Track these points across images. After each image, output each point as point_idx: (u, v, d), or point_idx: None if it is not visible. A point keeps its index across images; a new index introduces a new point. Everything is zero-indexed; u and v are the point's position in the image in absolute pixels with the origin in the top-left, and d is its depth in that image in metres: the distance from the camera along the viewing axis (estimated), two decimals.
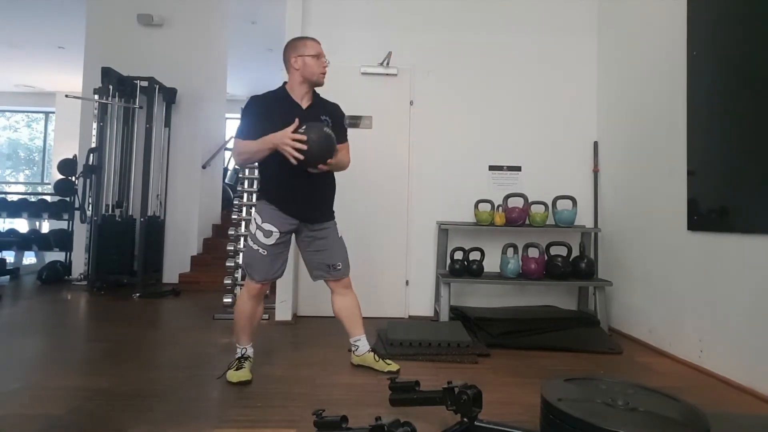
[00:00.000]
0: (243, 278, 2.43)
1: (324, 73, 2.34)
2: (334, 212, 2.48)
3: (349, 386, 2.27)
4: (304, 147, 2.11)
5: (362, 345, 2.53)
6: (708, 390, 2.35)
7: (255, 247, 2.30)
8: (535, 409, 1.56)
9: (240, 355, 2.34)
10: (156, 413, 1.89)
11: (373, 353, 2.51)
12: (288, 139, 2.11)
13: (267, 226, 2.28)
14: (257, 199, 2.41)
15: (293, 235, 2.43)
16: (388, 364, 2.45)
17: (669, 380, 2.48)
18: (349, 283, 2.53)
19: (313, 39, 2.38)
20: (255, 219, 2.32)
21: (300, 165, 2.16)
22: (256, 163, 2.44)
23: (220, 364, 2.57)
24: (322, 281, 2.51)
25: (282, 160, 2.17)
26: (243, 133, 2.26)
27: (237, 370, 2.27)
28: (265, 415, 1.91)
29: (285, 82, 2.39)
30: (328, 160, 2.20)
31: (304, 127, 2.15)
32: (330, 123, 2.32)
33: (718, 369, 2.52)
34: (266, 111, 2.27)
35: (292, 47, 2.35)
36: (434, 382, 1.96)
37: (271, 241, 2.28)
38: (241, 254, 3.72)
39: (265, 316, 3.62)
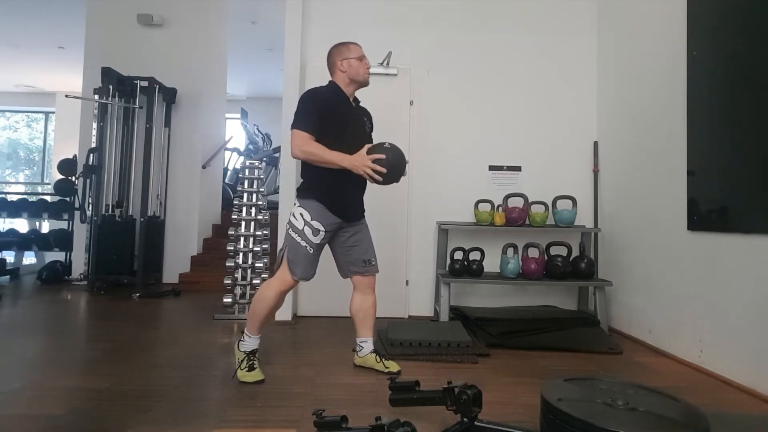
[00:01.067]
0: (276, 269, 2.36)
1: (369, 74, 2.46)
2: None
3: (349, 386, 2.27)
4: (384, 170, 2.20)
5: (367, 347, 2.53)
6: (708, 390, 2.35)
7: (303, 243, 2.29)
8: (535, 409, 1.57)
9: (250, 350, 2.31)
10: (156, 413, 1.89)
11: (375, 354, 2.51)
12: (368, 162, 2.20)
13: (316, 224, 2.30)
14: (302, 196, 2.37)
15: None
16: (389, 366, 2.45)
17: (669, 380, 2.48)
18: (374, 282, 2.54)
19: (355, 43, 2.47)
20: (302, 215, 2.31)
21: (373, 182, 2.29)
22: (302, 163, 2.43)
23: (220, 364, 2.57)
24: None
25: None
26: (308, 126, 2.26)
27: (250, 370, 2.26)
28: (265, 415, 1.91)
29: (331, 81, 2.46)
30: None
31: (382, 150, 2.23)
32: (369, 124, 2.54)
33: (718, 369, 2.52)
34: (327, 104, 2.32)
35: (337, 51, 2.44)
36: (434, 382, 1.96)
37: (317, 240, 2.31)
38: (240, 254, 3.73)
39: None
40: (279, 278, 2.33)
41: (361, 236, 2.47)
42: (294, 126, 2.29)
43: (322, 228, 2.31)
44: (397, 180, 2.29)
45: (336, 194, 2.34)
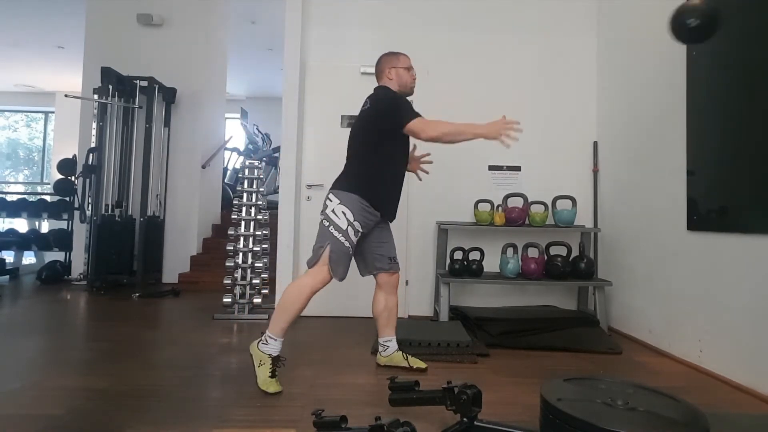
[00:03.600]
0: (311, 266, 2.27)
1: (414, 83, 2.57)
2: None
3: (349, 386, 2.27)
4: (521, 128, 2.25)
5: (392, 346, 2.54)
6: (708, 390, 2.35)
7: (347, 244, 2.27)
8: (535, 409, 1.56)
9: (276, 354, 2.18)
10: (156, 413, 1.89)
11: (401, 352, 2.53)
12: (504, 126, 2.24)
13: (357, 225, 2.30)
14: (344, 188, 2.32)
15: None
16: (415, 363, 2.48)
17: (669, 380, 2.48)
18: (398, 282, 2.56)
19: (404, 54, 2.56)
20: (344, 214, 2.26)
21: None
22: (352, 155, 2.44)
23: (220, 364, 2.58)
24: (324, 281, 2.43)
25: (399, 160, 2.40)
26: (415, 112, 2.32)
27: (272, 376, 2.13)
28: (264, 415, 1.91)
29: (380, 86, 2.52)
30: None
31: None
32: None
33: (717, 369, 2.52)
34: None
35: (386, 60, 2.51)
36: (434, 382, 1.97)
37: (356, 240, 2.32)
38: (240, 254, 3.73)
39: (265, 316, 3.64)
40: (315, 277, 2.23)
41: (388, 234, 2.52)
42: (408, 119, 2.30)
43: (361, 229, 2.32)
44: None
45: (382, 190, 2.38)
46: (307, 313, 3.73)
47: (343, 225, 2.26)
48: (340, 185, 2.35)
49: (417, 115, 2.32)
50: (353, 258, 2.42)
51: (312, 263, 2.29)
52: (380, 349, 2.57)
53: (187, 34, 5.57)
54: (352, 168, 2.40)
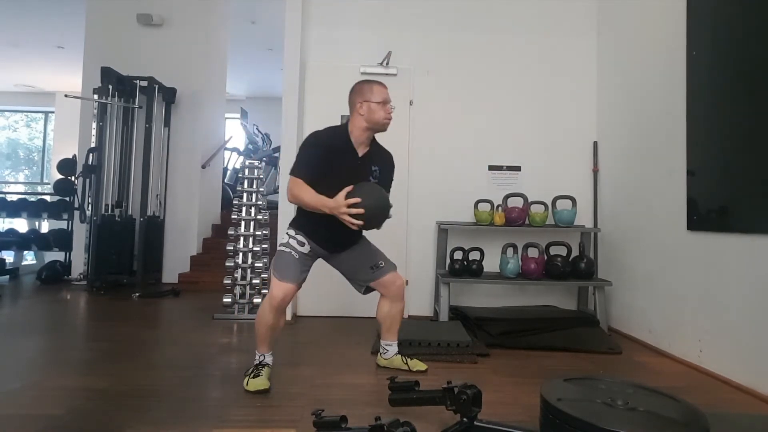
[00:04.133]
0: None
1: (389, 120, 2.31)
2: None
3: (349, 386, 2.27)
4: (361, 211, 2.07)
5: (392, 350, 2.53)
6: (708, 390, 2.35)
7: (287, 250, 2.28)
8: (535, 409, 1.56)
9: (259, 362, 2.27)
10: (156, 413, 1.89)
11: (401, 356, 2.51)
12: (344, 208, 2.08)
13: (300, 237, 2.30)
14: (292, 226, 2.37)
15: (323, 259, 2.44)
16: (415, 366, 2.47)
17: (668, 380, 2.48)
18: (402, 289, 2.47)
19: (380, 84, 2.35)
20: (288, 233, 2.33)
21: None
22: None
23: (220, 364, 2.58)
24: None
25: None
26: (300, 172, 2.20)
27: (255, 377, 2.18)
28: (264, 415, 1.91)
29: (347, 121, 2.35)
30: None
31: (359, 192, 2.10)
32: (378, 172, 2.35)
33: (717, 369, 2.52)
34: (325, 152, 2.24)
35: (358, 91, 2.32)
36: (434, 382, 1.96)
37: (304, 249, 2.30)
38: (240, 254, 3.73)
39: None
40: (269, 295, 2.25)
41: (359, 251, 2.42)
42: (291, 172, 2.24)
43: (306, 242, 2.30)
44: (377, 226, 2.18)
45: (318, 232, 2.30)
46: (307, 313, 3.76)
47: (285, 239, 2.33)
48: (291, 224, 2.39)
49: (299, 173, 2.19)
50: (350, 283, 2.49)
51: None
52: (381, 350, 2.57)
53: (187, 34, 5.57)
54: (297, 209, 2.39)
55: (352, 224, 2.10)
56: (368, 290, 2.48)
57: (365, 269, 2.42)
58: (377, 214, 2.14)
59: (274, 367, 2.34)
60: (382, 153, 2.43)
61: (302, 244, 2.30)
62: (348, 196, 2.10)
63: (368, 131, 2.31)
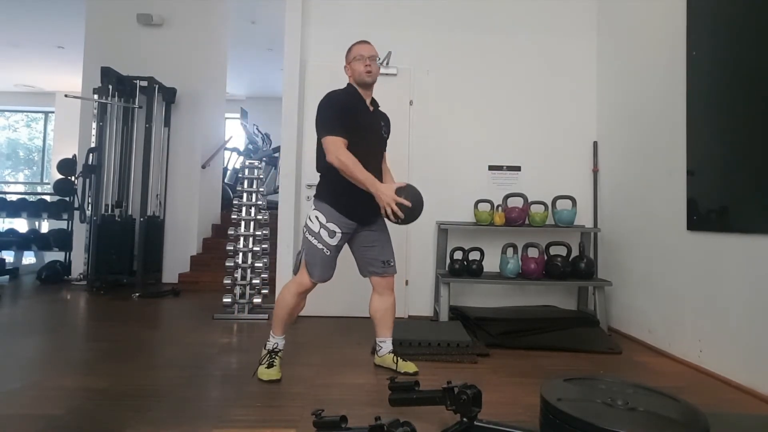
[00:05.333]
0: (295, 272, 2.42)
1: (367, 71, 2.36)
2: None
3: (349, 386, 2.27)
4: (402, 216, 2.21)
5: (385, 347, 2.54)
6: (708, 390, 2.35)
7: (320, 246, 2.31)
8: (535, 409, 1.57)
9: (272, 348, 2.36)
10: (156, 413, 1.89)
11: (392, 355, 2.51)
12: (393, 202, 2.18)
13: (331, 227, 2.32)
14: (317, 198, 2.39)
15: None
16: (403, 367, 2.45)
17: (668, 380, 2.48)
18: (393, 283, 2.53)
19: (358, 42, 2.44)
20: (317, 218, 2.34)
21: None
22: (317, 165, 2.42)
23: (220, 364, 2.58)
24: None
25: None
26: (338, 131, 2.24)
27: (269, 367, 2.30)
28: (264, 415, 1.91)
29: (348, 84, 2.45)
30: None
31: (409, 194, 2.23)
32: (385, 128, 2.52)
33: (717, 369, 2.53)
34: (347, 107, 2.33)
35: (346, 57, 2.45)
36: (434, 382, 1.96)
37: (334, 241, 2.33)
38: (240, 254, 3.73)
39: (265, 316, 3.64)
40: (296, 281, 2.37)
41: (378, 236, 2.47)
42: (325, 132, 2.26)
43: (338, 230, 2.33)
44: (409, 222, 2.30)
45: (348, 198, 2.33)
46: (308, 313, 3.74)
47: (316, 228, 2.33)
48: (315, 195, 2.43)
49: (337, 131, 2.24)
50: (355, 259, 2.50)
51: (294, 268, 2.43)
52: (376, 347, 2.58)
53: (187, 34, 5.57)
54: (322, 176, 2.43)
55: (390, 216, 2.23)
56: (364, 276, 2.52)
57: (377, 262, 2.46)
58: (415, 214, 2.27)
59: None
60: (383, 114, 2.55)
61: (333, 235, 2.33)
62: (398, 192, 2.20)
63: (361, 88, 2.41)
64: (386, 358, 2.51)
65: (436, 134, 4.00)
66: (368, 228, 2.44)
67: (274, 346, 2.37)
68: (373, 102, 2.48)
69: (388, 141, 2.58)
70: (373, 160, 2.41)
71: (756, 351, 2.29)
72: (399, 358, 2.49)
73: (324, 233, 2.32)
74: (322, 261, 2.32)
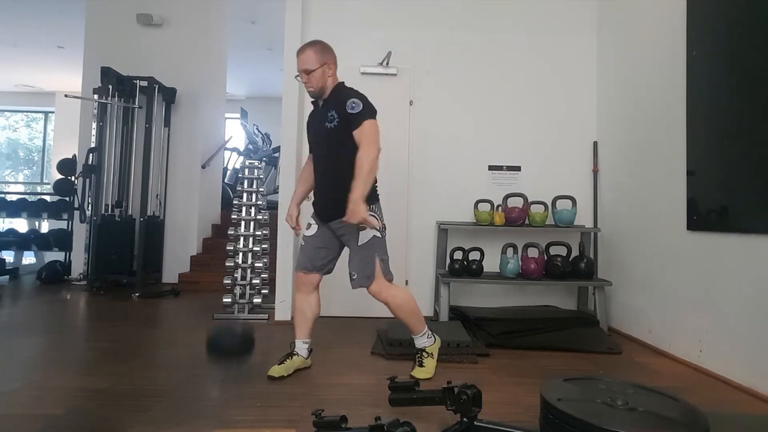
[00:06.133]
0: (372, 281, 2.41)
1: (307, 89, 2.36)
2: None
3: (349, 386, 2.27)
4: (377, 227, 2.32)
5: (418, 342, 2.49)
6: (708, 390, 2.35)
7: (301, 237, 2.51)
8: (535, 409, 1.57)
9: (290, 350, 2.46)
10: (156, 413, 1.89)
11: (418, 355, 2.47)
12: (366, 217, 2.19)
13: (310, 219, 2.49)
14: (374, 201, 2.36)
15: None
16: (418, 372, 2.39)
17: (668, 380, 2.48)
18: (381, 295, 2.40)
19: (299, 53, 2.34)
20: (381, 218, 2.38)
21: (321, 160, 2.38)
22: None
23: (220, 364, 2.57)
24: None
25: (316, 159, 2.45)
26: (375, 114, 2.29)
27: (279, 364, 2.37)
28: (264, 415, 1.91)
29: (342, 83, 2.40)
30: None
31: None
32: (336, 120, 2.27)
33: (717, 369, 2.53)
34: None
35: (332, 58, 2.39)
36: (434, 382, 1.97)
37: (310, 232, 2.46)
38: (240, 254, 3.73)
39: (265, 316, 3.64)
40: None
41: (353, 247, 2.34)
42: (368, 116, 2.23)
43: (313, 222, 2.46)
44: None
45: (315, 191, 2.48)
46: None
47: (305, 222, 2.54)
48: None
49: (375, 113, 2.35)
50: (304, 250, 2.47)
51: (372, 279, 2.34)
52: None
53: (187, 34, 5.57)
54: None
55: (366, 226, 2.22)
56: (302, 269, 2.47)
57: (349, 274, 2.38)
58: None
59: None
60: (338, 99, 2.32)
61: (308, 227, 2.46)
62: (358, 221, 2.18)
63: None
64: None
65: (435, 134, 3.99)
66: (340, 236, 2.39)
67: (291, 347, 2.47)
68: (331, 93, 2.36)
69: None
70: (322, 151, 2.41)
71: (756, 351, 2.29)
72: (419, 362, 2.44)
73: (305, 225, 2.50)
74: (301, 251, 2.47)
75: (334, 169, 2.32)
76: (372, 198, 2.34)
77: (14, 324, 3.44)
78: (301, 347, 2.45)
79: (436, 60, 4.02)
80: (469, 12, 4.06)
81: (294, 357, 2.41)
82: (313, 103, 2.47)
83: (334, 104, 2.31)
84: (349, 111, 2.24)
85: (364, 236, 2.31)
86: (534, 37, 4.05)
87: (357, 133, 2.22)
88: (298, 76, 2.35)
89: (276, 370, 2.32)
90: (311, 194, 2.54)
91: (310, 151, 2.52)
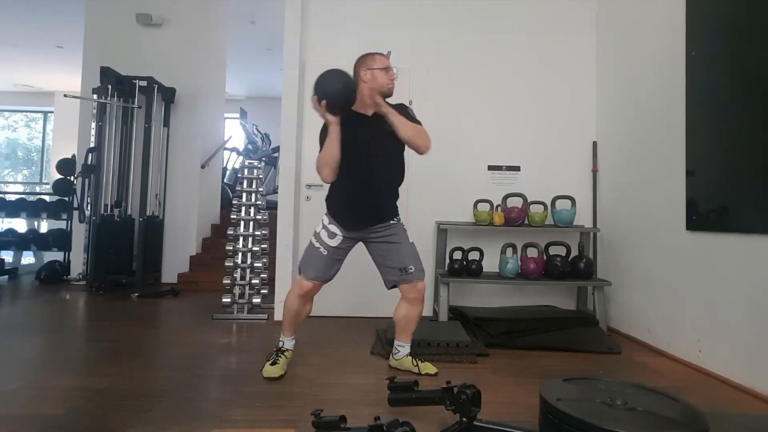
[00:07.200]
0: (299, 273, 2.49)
1: (392, 84, 2.46)
2: (397, 208, 2.51)
3: (349, 386, 2.27)
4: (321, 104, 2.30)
5: (403, 351, 2.52)
6: (707, 390, 2.35)
7: (317, 245, 2.40)
8: (534, 409, 1.57)
9: (279, 347, 2.45)
10: (155, 413, 1.89)
11: (411, 357, 2.50)
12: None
13: (332, 228, 2.40)
14: (327, 202, 2.48)
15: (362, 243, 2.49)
16: (424, 368, 2.44)
17: (668, 380, 2.49)
18: (423, 293, 2.45)
19: (380, 54, 2.51)
20: (323, 220, 2.43)
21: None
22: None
23: (220, 364, 2.58)
24: None
25: (351, 167, 2.30)
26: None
27: (272, 364, 2.36)
28: (264, 415, 1.91)
29: None
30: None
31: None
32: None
33: (717, 369, 2.53)
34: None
35: (360, 62, 2.48)
36: (433, 382, 1.97)
37: (333, 243, 2.38)
38: (239, 254, 3.73)
39: (264, 316, 3.64)
40: (297, 283, 2.46)
41: (390, 246, 2.42)
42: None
43: (339, 232, 2.38)
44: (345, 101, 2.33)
45: (340, 208, 2.41)
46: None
47: (318, 229, 2.43)
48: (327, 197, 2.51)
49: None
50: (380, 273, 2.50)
51: (299, 272, 2.49)
52: (393, 351, 2.57)
53: (187, 34, 5.56)
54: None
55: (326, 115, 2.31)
56: (393, 286, 2.48)
57: (394, 270, 2.42)
58: (332, 90, 2.37)
59: None
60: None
61: (333, 236, 2.39)
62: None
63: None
64: (404, 361, 2.51)
65: (435, 134, 3.93)
66: (378, 239, 2.42)
67: (280, 345, 2.46)
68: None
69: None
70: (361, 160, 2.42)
71: (756, 351, 2.29)
72: (418, 361, 2.48)
73: (324, 233, 2.40)
74: (319, 260, 2.37)
75: (389, 170, 2.44)
76: (394, 211, 2.51)
77: (13, 324, 3.44)
78: (291, 344, 2.49)
79: (436, 60, 4.02)
80: (469, 12, 4.06)
81: (286, 353, 2.44)
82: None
83: (394, 109, 2.44)
84: (412, 115, 2.48)
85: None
86: (534, 37, 4.05)
87: (419, 127, 2.45)
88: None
89: (271, 371, 2.32)
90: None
91: (345, 156, 2.30)
